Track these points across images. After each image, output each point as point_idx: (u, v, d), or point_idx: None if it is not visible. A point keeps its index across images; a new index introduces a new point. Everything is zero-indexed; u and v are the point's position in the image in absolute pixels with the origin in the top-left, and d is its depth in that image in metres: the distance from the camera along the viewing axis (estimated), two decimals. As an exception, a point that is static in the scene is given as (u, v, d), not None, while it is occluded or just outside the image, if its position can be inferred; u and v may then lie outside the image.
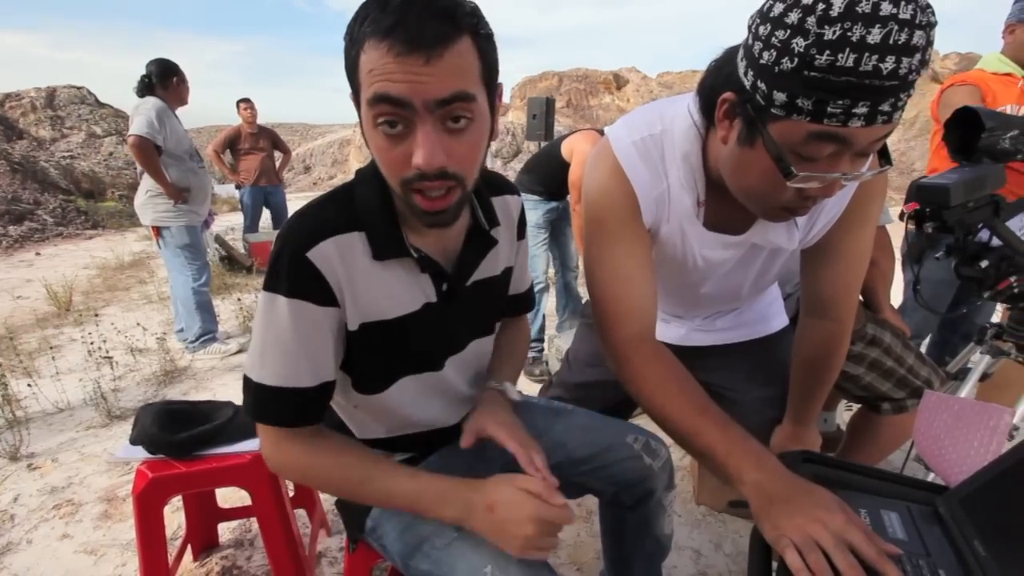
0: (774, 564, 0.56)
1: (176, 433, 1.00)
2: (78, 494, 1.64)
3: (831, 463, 0.67)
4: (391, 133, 0.53)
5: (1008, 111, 1.68)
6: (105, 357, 2.42)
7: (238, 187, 4.68)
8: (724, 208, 0.75)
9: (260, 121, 4.61)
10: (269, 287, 0.61)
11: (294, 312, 0.60)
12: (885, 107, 0.51)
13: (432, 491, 0.64)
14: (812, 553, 0.50)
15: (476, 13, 0.54)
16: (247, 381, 0.64)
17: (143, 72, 2.52)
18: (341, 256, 0.61)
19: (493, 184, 0.76)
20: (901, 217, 1.13)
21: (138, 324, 3.00)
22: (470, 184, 0.59)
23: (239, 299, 3.36)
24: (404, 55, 0.49)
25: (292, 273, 0.60)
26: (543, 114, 3.23)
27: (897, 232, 1.23)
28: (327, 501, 1.48)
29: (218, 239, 4.64)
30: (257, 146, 4.48)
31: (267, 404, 0.64)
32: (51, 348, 2.81)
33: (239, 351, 2.79)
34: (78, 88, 11.87)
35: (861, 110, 0.51)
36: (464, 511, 0.62)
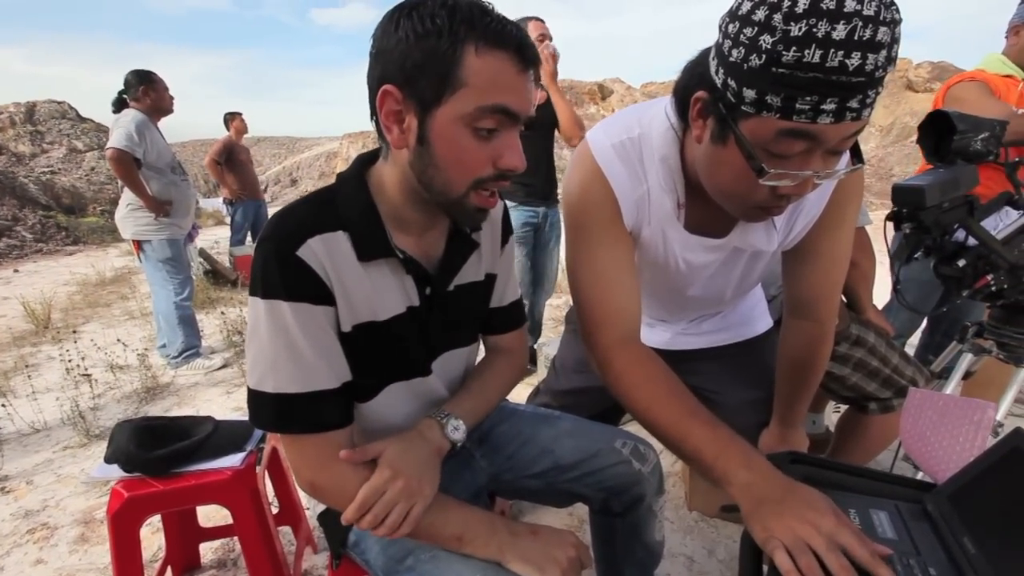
0: (765, 569, 0.56)
1: (153, 450, 0.97)
2: (53, 517, 1.58)
3: (819, 463, 0.67)
4: (485, 137, 0.57)
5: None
6: (84, 375, 2.35)
7: (230, 202, 4.57)
8: (705, 211, 0.75)
9: (247, 135, 4.58)
10: (266, 294, 0.58)
11: (298, 315, 0.59)
12: (853, 103, 0.51)
13: (479, 520, 0.65)
14: (803, 555, 0.49)
15: None
16: (260, 396, 0.60)
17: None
18: (329, 254, 0.60)
19: None
20: (888, 220, 1.14)
21: (119, 340, 2.94)
22: None
23: (223, 313, 3.31)
24: (523, 72, 0.56)
25: (286, 275, 0.58)
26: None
27: (876, 234, 1.25)
28: (313, 517, 1.44)
29: (202, 253, 4.58)
30: (250, 159, 4.46)
31: (293, 412, 0.61)
32: (27, 367, 2.73)
33: (223, 366, 2.74)
34: (59, 103, 11.74)
35: (829, 106, 0.51)
36: (509, 538, 0.64)
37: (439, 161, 0.58)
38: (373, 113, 0.60)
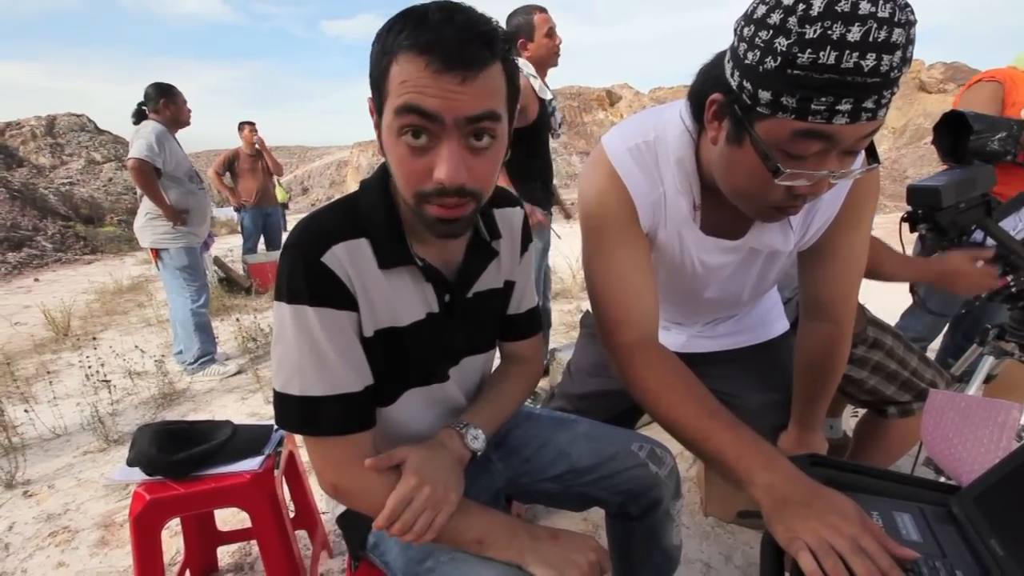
0: (786, 574, 0.55)
1: (174, 453, 0.99)
2: (74, 521, 1.61)
3: (840, 466, 0.66)
4: (415, 144, 0.54)
5: None
6: (103, 381, 2.40)
7: (237, 209, 4.69)
8: (720, 212, 0.75)
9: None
10: (291, 299, 0.60)
11: (323, 320, 0.60)
12: (869, 104, 0.52)
13: (500, 523, 0.65)
14: (828, 557, 0.49)
15: (508, 40, 0.57)
16: (286, 398, 0.62)
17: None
18: (352, 260, 0.62)
19: (496, 196, 0.76)
20: (903, 221, 1.13)
21: (136, 347, 2.99)
22: (484, 200, 0.61)
23: (238, 320, 3.35)
24: (441, 72, 0.51)
25: (312, 281, 0.60)
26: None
27: (888, 239, 1.22)
28: (329, 522, 1.45)
29: (217, 261, 4.65)
30: (256, 167, 4.51)
31: (319, 414, 0.62)
32: (48, 373, 2.79)
33: (238, 372, 2.77)
34: (78, 116, 12.03)
35: (845, 107, 0.51)
36: (530, 541, 0.64)
37: (392, 170, 0.60)
38: None
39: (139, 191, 2.52)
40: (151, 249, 2.61)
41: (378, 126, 0.60)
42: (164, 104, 2.55)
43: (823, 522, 0.51)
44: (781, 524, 0.54)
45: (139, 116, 2.56)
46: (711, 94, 0.62)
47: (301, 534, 1.37)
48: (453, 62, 0.51)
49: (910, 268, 1.10)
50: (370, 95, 0.60)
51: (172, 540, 1.46)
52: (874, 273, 1.08)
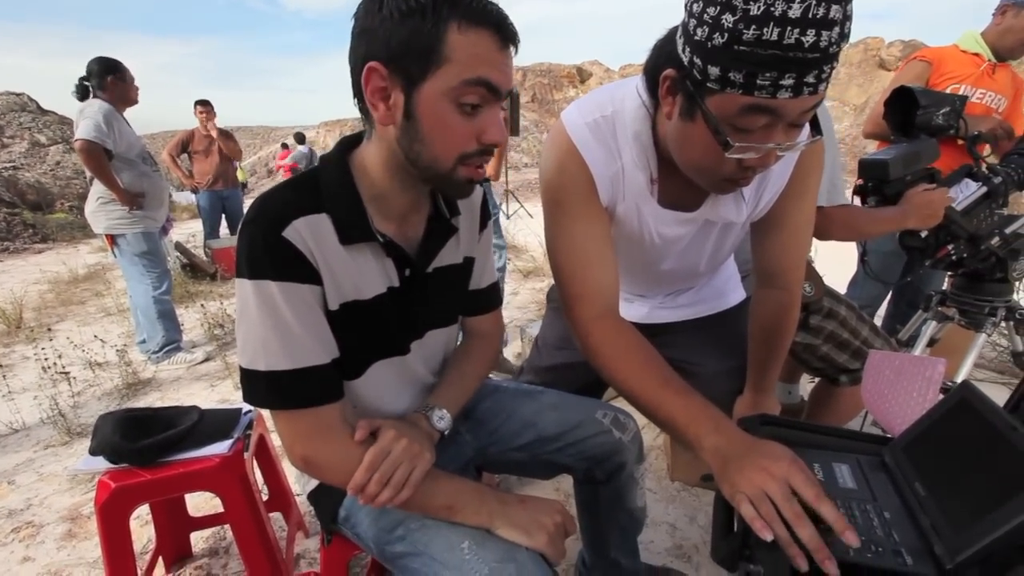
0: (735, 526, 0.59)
1: (138, 440, 0.97)
2: (39, 515, 1.57)
3: (787, 424, 0.71)
4: (469, 113, 0.59)
5: (961, 91, 1.76)
6: (62, 373, 2.31)
7: (194, 191, 4.52)
8: (677, 185, 0.77)
9: (219, 125, 4.45)
10: (253, 274, 0.60)
11: (286, 294, 0.60)
12: (810, 79, 0.54)
13: (470, 489, 0.68)
14: (763, 504, 0.53)
15: None
16: (253, 374, 0.62)
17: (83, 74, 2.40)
18: (313, 235, 0.62)
19: None
20: (855, 194, 1.18)
21: (96, 338, 2.88)
22: None
23: (203, 306, 3.26)
24: (503, 48, 0.58)
25: (273, 256, 0.59)
26: (508, 109, 3.25)
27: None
28: (304, 502, 1.46)
29: (179, 246, 4.49)
30: (212, 149, 4.33)
31: (288, 388, 0.62)
32: (1, 367, 2.67)
33: (205, 360, 2.71)
34: (18, 95, 11.22)
35: (788, 82, 0.54)
36: (498, 506, 0.67)
37: (425, 136, 0.59)
38: (357, 92, 0.60)
39: (89, 174, 2.39)
40: (106, 236, 2.49)
41: (383, 92, 0.58)
42: (112, 82, 2.39)
43: (757, 468, 0.55)
44: (726, 481, 0.58)
45: (83, 92, 2.40)
46: (665, 69, 0.63)
47: (276, 516, 1.38)
48: (510, 39, 0.59)
49: (885, 219, 1.13)
50: (377, 62, 0.57)
51: (144, 528, 1.45)
52: (858, 234, 1.12)
